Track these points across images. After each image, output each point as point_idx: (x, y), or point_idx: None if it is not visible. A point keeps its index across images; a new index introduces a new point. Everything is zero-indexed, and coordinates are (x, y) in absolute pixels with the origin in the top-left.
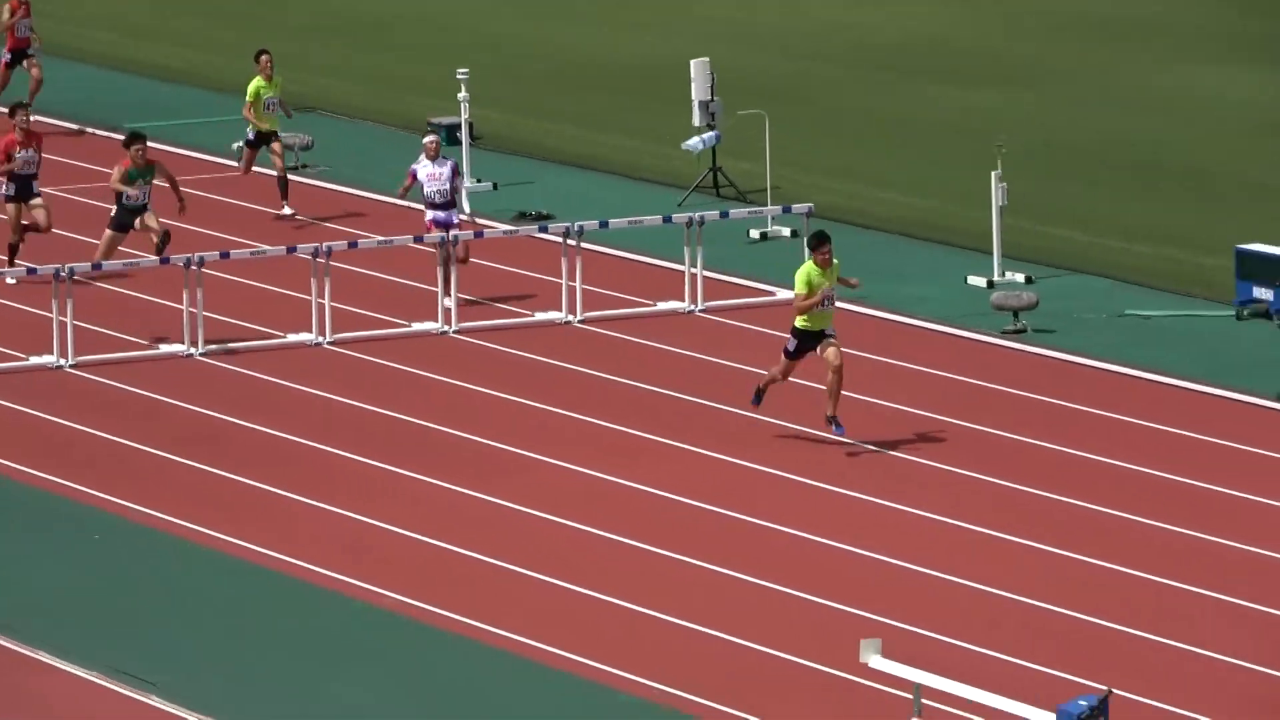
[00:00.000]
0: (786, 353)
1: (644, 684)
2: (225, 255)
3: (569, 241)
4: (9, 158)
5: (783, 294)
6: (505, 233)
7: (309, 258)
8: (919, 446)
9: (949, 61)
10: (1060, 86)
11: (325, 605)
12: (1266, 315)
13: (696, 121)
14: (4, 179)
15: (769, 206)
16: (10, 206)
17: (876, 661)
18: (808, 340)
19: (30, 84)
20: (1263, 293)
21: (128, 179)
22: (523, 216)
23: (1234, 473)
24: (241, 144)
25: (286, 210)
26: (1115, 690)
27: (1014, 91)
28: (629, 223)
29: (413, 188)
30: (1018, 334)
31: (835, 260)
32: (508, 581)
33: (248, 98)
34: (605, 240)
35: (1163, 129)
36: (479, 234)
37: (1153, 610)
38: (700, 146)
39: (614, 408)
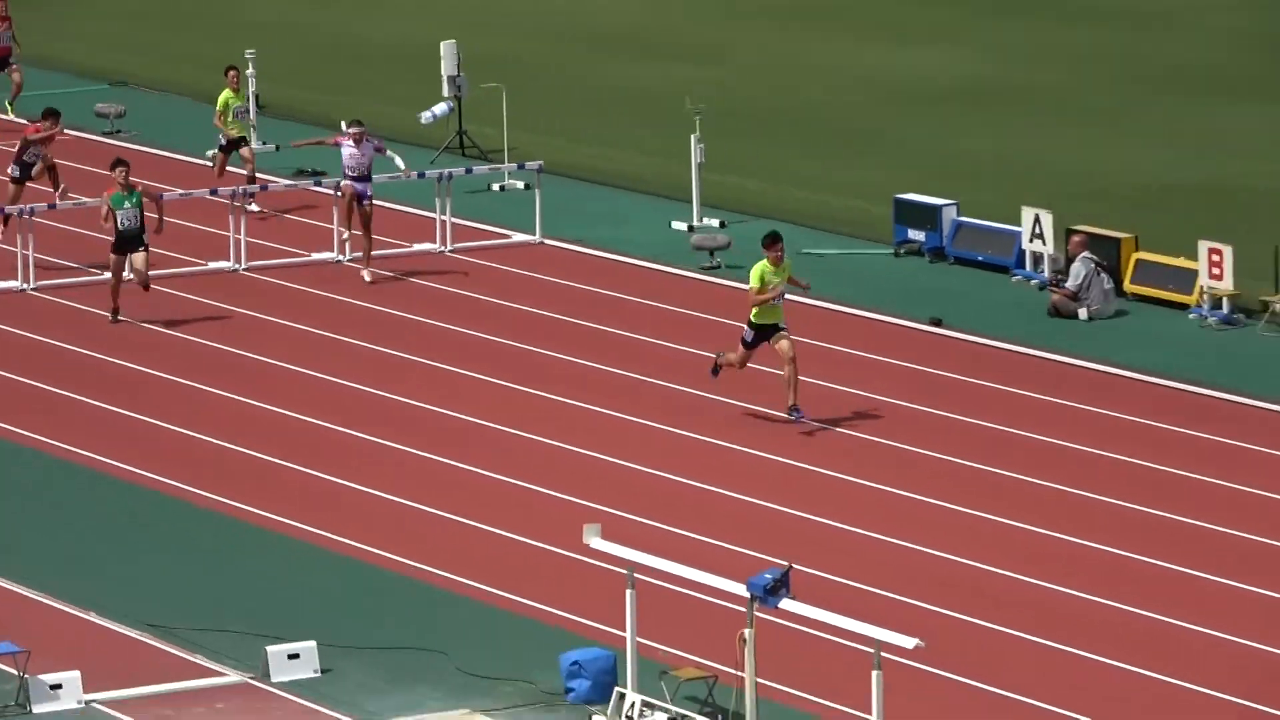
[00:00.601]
0: (744, 342)
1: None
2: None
3: (337, 194)
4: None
5: (519, 236)
6: (286, 186)
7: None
8: (630, 363)
9: (651, 42)
10: (747, 62)
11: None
12: (919, 253)
13: (445, 93)
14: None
15: (506, 164)
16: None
17: (597, 543)
18: (762, 333)
19: (11, 89)
20: (916, 234)
21: (114, 203)
22: (301, 173)
23: (891, 384)
24: (215, 150)
25: (253, 207)
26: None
27: (707, 67)
28: (389, 178)
29: (319, 148)
30: (713, 269)
31: (787, 260)
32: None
33: (218, 108)
34: (385, 193)
35: (835, 97)
36: (264, 187)
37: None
38: (432, 118)
39: (377, 331)
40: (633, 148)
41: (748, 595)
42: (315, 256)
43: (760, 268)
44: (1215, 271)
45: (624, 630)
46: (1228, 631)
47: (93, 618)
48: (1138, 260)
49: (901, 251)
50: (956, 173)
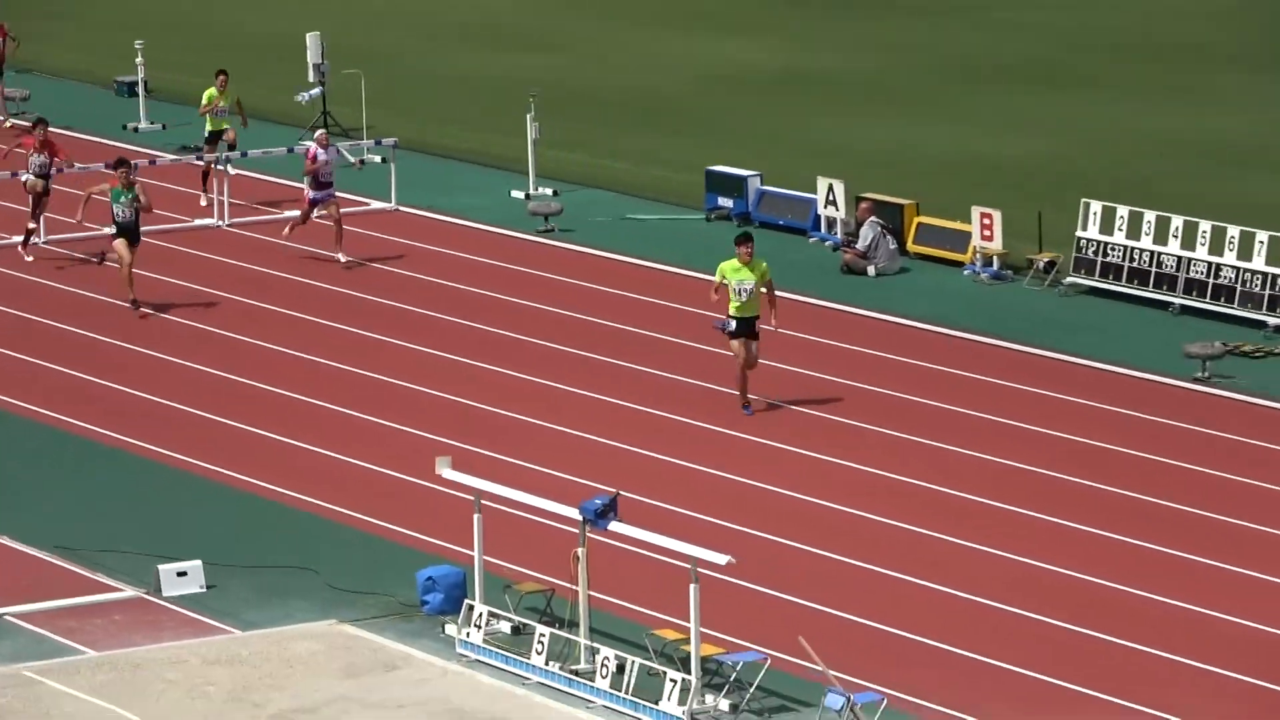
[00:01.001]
0: (729, 334)
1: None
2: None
3: (217, 167)
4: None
5: (376, 204)
6: (171, 160)
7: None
8: (474, 315)
9: (502, 35)
10: (585, 53)
11: None
12: (727, 218)
13: (311, 79)
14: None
15: (365, 141)
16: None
17: (448, 473)
18: (742, 325)
19: None
20: (725, 202)
21: (113, 196)
22: (184, 149)
23: (703, 333)
24: (202, 145)
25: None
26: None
27: (549, 56)
28: (263, 153)
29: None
30: (548, 233)
31: (761, 261)
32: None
33: (203, 101)
34: (246, 166)
35: (657, 82)
36: (152, 161)
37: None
38: (306, 98)
39: (253, 288)
40: (479, 128)
41: (580, 518)
42: (197, 222)
43: (723, 265)
44: (986, 233)
45: (472, 550)
46: (1013, 552)
47: (6, 541)
48: (919, 224)
49: (712, 217)
50: (763, 148)
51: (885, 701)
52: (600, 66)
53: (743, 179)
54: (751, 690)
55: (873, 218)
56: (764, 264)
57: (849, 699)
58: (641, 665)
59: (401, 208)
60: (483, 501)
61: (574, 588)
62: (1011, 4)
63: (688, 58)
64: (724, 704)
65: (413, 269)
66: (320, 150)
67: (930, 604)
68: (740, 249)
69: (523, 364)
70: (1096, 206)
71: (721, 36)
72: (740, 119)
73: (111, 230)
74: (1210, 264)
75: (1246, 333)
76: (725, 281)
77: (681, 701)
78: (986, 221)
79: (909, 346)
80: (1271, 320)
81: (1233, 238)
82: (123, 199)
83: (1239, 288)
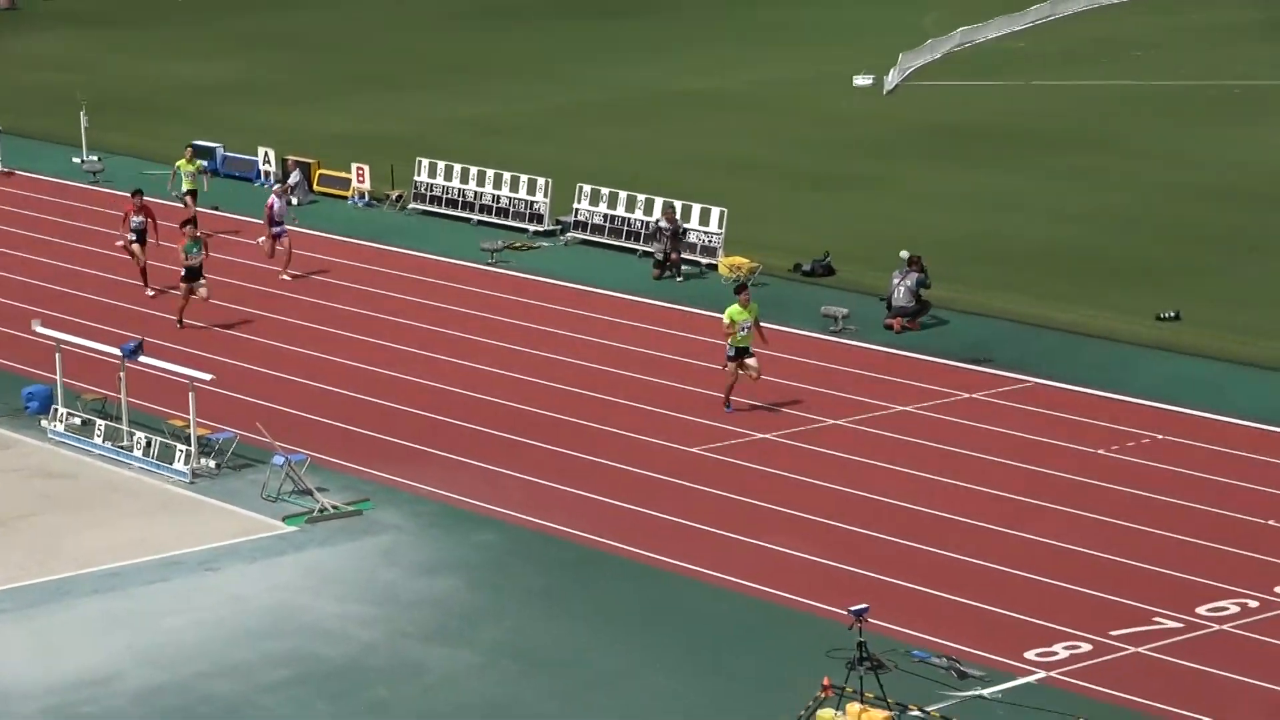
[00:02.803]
0: (728, 358)
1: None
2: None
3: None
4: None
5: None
6: None
7: None
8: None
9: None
10: (118, 73)
11: None
12: (214, 173)
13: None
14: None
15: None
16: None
17: (40, 330)
18: (741, 353)
19: None
20: (203, 161)
21: (186, 251)
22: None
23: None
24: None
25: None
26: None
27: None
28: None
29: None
30: (95, 182)
31: (754, 303)
32: None
33: (172, 170)
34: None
35: (166, 92)
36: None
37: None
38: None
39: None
40: (55, 117)
41: (120, 354)
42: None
43: (730, 309)
44: (360, 179)
45: (55, 376)
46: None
47: None
48: (320, 173)
49: (206, 171)
50: (225, 131)
51: (308, 460)
52: (130, 82)
53: (213, 148)
54: (228, 455)
55: (296, 171)
56: (756, 305)
57: (287, 459)
58: (161, 442)
59: (17, 171)
60: (62, 346)
61: (119, 396)
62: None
63: (176, 76)
64: (211, 464)
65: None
66: (276, 199)
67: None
68: (740, 296)
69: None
70: (425, 162)
71: (202, 60)
72: (212, 112)
73: (181, 272)
74: (495, 195)
75: (517, 235)
76: (732, 321)
77: (185, 462)
78: (360, 171)
79: (331, 248)
80: (531, 228)
81: (507, 178)
82: (193, 251)
83: (511, 208)
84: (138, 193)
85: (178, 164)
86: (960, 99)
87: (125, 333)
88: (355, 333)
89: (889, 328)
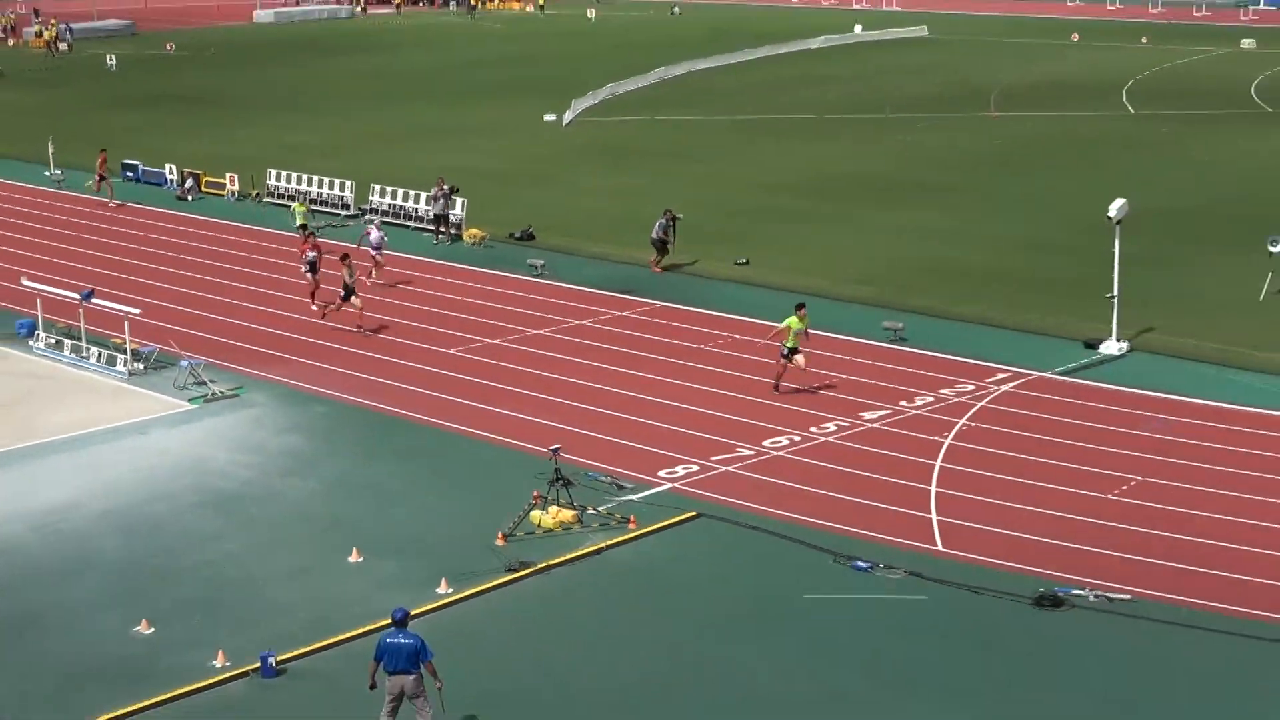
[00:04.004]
0: (781, 355)
1: None
2: None
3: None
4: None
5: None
6: None
7: None
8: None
9: None
10: None
11: None
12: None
13: None
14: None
15: None
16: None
17: (27, 283)
18: (791, 352)
19: None
20: (130, 172)
21: (348, 275)
22: None
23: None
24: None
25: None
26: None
27: None
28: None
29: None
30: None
31: (807, 316)
32: None
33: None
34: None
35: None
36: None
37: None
38: None
39: None
40: (29, 144)
41: (80, 298)
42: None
43: (790, 320)
44: (232, 183)
45: (37, 312)
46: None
47: None
48: (206, 180)
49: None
50: (144, 152)
51: (203, 362)
52: (72, 121)
53: (136, 164)
54: (151, 361)
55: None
56: (808, 318)
57: (190, 363)
58: (108, 353)
59: None
60: (43, 293)
61: (79, 324)
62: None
63: (107, 119)
64: (140, 366)
65: None
66: (374, 230)
67: None
68: (799, 311)
69: None
70: (274, 171)
71: (122, 109)
72: (133, 141)
73: (341, 293)
74: (319, 191)
75: (334, 216)
76: (789, 328)
77: (124, 365)
78: (232, 178)
79: (215, 228)
80: (342, 212)
81: (327, 181)
82: (347, 278)
83: (329, 200)
84: (310, 234)
85: (294, 206)
86: (611, 128)
87: (130, 295)
88: (238, 282)
89: (650, 266)
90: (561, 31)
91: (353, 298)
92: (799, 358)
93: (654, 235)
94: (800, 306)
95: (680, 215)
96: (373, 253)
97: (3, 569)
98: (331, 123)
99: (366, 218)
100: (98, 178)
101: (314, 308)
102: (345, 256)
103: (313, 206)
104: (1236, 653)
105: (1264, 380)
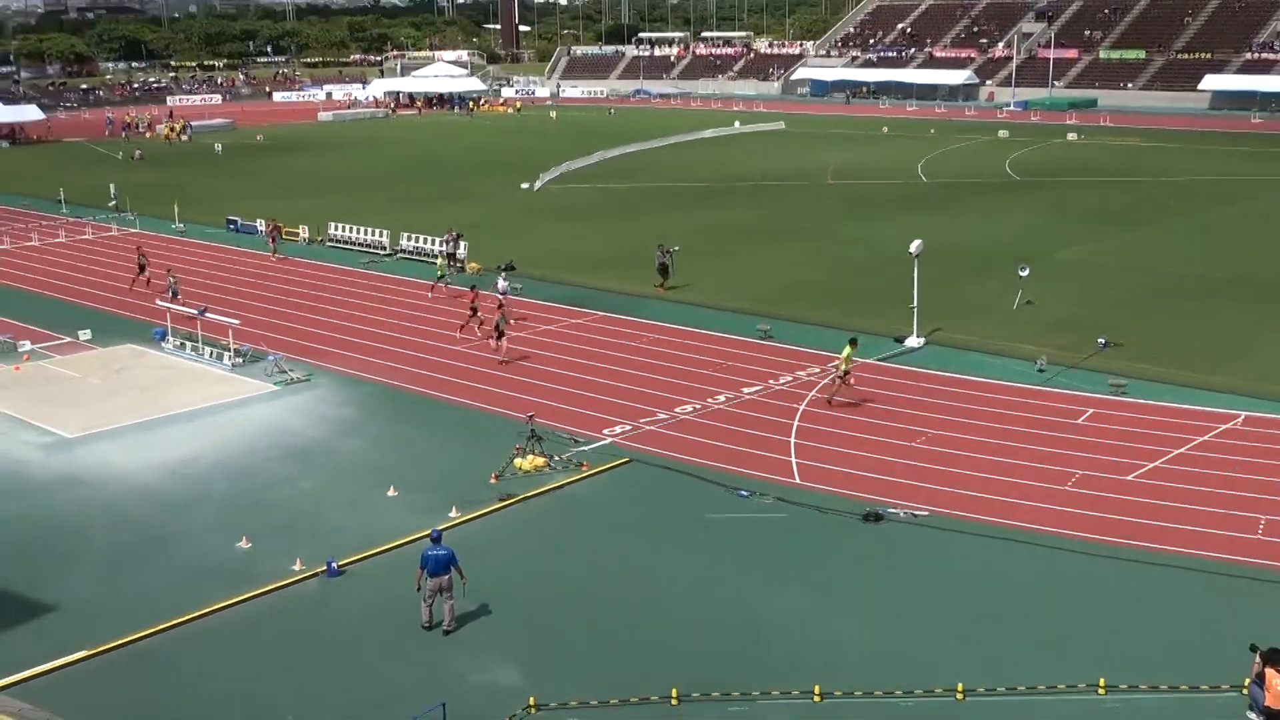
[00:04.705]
0: (837, 378)
1: None
2: None
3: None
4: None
5: None
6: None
7: None
8: None
9: None
10: None
11: None
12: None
13: None
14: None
15: None
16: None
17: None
18: (845, 374)
19: None
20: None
21: (500, 319)
22: None
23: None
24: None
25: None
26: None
27: None
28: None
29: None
30: None
31: (859, 347)
32: None
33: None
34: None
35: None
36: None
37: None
38: None
39: None
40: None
41: (197, 314)
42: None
43: (846, 351)
44: (298, 229)
45: (166, 323)
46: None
47: None
48: (284, 229)
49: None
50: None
51: (284, 357)
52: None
53: (235, 219)
54: (248, 357)
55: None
56: (860, 349)
57: (275, 358)
58: (217, 351)
59: None
60: (170, 310)
61: (198, 330)
62: None
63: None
64: (240, 361)
65: None
66: (502, 280)
67: None
68: (854, 346)
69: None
70: (333, 223)
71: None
72: (229, 203)
73: (495, 332)
74: (299, 229)
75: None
76: (847, 357)
77: (229, 360)
78: (304, 227)
79: (299, 265)
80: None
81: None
82: (500, 325)
83: (301, 233)
84: (474, 288)
85: (439, 262)
86: (567, 193)
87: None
88: (309, 300)
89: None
90: (532, 127)
91: (502, 339)
92: (850, 379)
93: (657, 264)
94: (852, 343)
95: (676, 248)
96: (499, 296)
97: (144, 503)
98: (372, 190)
99: (502, 272)
100: (270, 239)
101: (459, 335)
102: (500, 305)
103: (358, 247)
104: (1001, 552)
105: (1018, 364)
